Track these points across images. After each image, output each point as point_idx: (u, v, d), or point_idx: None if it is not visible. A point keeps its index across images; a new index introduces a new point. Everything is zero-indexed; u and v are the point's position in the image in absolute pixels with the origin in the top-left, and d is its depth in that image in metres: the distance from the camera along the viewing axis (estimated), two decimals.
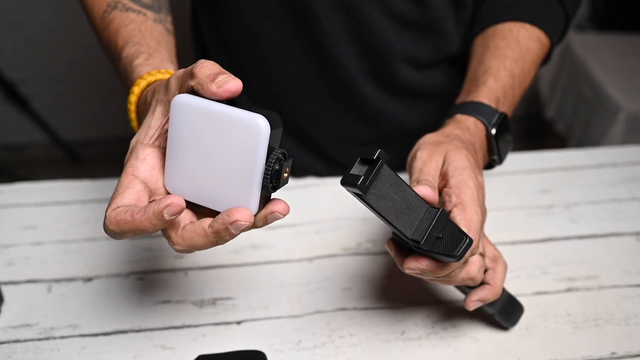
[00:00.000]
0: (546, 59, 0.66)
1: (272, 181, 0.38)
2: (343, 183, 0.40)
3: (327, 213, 0.70)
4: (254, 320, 0.56)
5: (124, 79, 0.51)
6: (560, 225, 0.68)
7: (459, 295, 0.58)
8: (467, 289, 0.51)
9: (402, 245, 0.47)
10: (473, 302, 0.49)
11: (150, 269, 0.62)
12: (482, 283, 0.50)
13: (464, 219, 0.45)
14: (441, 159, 0.49)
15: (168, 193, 0.41)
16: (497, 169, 0.77)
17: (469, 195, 0.46)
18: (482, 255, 0.47)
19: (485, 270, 0.50)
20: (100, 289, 0.59)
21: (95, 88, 2.12)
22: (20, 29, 1.96)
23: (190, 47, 0.82)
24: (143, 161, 0.40)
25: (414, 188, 0.43)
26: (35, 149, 2.23)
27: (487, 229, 0.67)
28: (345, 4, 0.63)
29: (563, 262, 0.63)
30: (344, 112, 0.73)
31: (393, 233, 0.46)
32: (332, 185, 0.74)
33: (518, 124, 2.25)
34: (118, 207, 0.38)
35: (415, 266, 0.44)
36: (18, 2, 1.91)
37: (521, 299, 0.57)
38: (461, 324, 0.56)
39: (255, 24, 0.67)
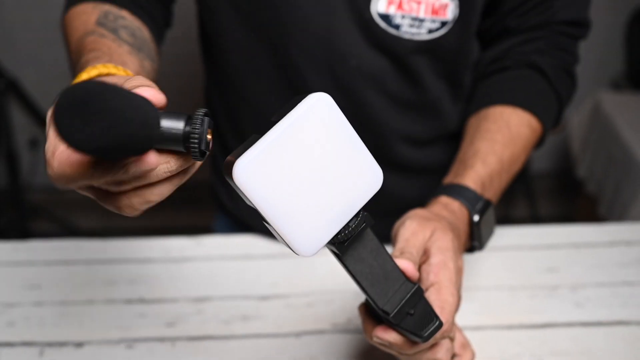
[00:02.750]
0: (540, 142, 0.66)
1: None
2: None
3: (320, 285, 0.69)
4: None
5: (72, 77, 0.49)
6: (563, 310, 0.65)
7: None
8: None
9: (373, 313, 0.46)
10: None
11: (140, 337, 0.63)
12: None
13: (438, 299, 0.44)
14: (428, 234, 0.48)
15: None
16: (501, 243, 0.76)
17: (447, 276, 0.46)
18: (452, 339, 0.46)
19: (453, 357, 0.49)
20: (90, 356, 0.60)
21: None
22: (67, 78, 2.08)
23: None
24: None
25: (395, 259, 0.43)
26: (73, 191, 2.33)
27: (486, 309, 0.65)
28: (343, 86, 0.65)
29: (563, 351, 0.60)
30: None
31: (366, 299, 0.46)
32: (329, 255, 0.74)
33: (549, 181, 2.20)
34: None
35: (382, 336, 0.43)
36: (63, 55, 2.04)
37: None
38: None
39: (257, 100, 0.70)
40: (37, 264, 0.75)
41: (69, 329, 0.64)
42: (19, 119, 2.14)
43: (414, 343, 0.43)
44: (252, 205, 0.34)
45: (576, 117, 1.80)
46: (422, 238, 0.48)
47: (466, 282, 0.69)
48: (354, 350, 0.61)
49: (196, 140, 0.32)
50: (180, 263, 0.74)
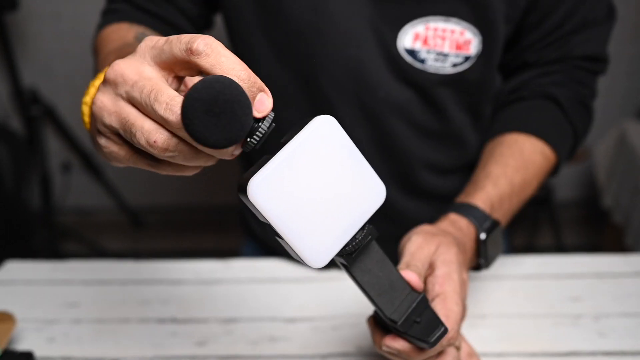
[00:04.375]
0: (554, 171, 0.67)
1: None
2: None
3: (346, 308, 0.71)
4: None
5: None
6: (586, 339, 0.66)
7: None
8: None
9: (382, 324, 0.48)
10: None
11: (172, 355, 0.65)
12: None
13: (444, 307, 0.46)
14: (433, 248, 0.50)
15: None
16: (524, 271, 0.77)
17: (451, 287, 0.48)
18: (458, 348, 0.47)
19: None
20: None
21: None
22: None
23: None
24: None
25: (401, 271, 0.45)
26: (103, 214, 2.40)
27: (509, 336, 0.66)
28: (371, 115, 0.68)
29: None
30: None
31: (374, 311, 0.47)
32: None
33: (574, 210, 2.18)
34: None
35: (391, 345, 0.45)
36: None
37: None
38: None
39: (286, 129, 0.73)
40: (75, 284, 0.78)
41: (105, 346, 0.67)
42: (53, 143, 2.23)
43: (421, 350, 0.45)
44: (265, 221, 0.37)
45: (601, 146, 1.80)
46: (427, 252, 0.50)
47: (489, 309, 0.70)
48: None
49: (257, 139, 0.35)
50: (210, 285, 0.77)
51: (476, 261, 0.58)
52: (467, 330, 0.67)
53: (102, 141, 0.37)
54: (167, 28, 0.69)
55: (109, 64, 0.42)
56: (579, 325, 0.68)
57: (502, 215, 0.60)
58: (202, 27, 0.75)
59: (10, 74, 2.04)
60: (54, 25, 2.08)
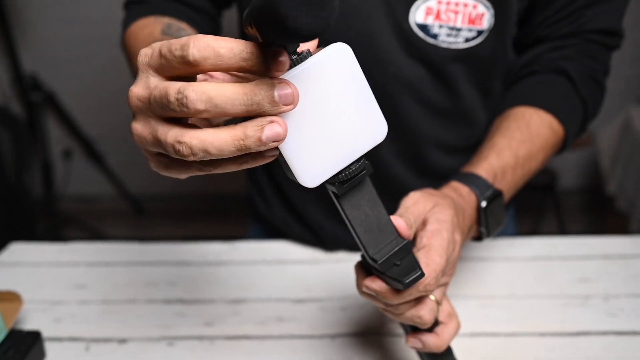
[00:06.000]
0: (563, 147, 0.67)
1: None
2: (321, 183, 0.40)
3: (354, 290, 0.71)
4: None
5: None
6: (596, 319, 0.66)
7: None
8: (410, 329, 0.51)
9: (366, 269, 0.49)
10: (414, 339, 0.49)
11: (180, 335, 0.65)
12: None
13: (426, 257, 0.46)
14: (429, 206, 0.50)
15: None
16: (532, 253, 0.76)
17: (438, 241, 0.47)
18: (438, 303, 0.48)
19: (438, 323, 0.50)
20: (133, 351, 0.63)
21: None
22: (102, 93, 2.16)
23: None
24: None
25: (391, 217, 0.45)
26: (105, 201, 2.40)
27: (518, 316, 0.66)
28: (379, 91, 0.66)
29: (598, 359, 0.60)
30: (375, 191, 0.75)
31: (361, 255, 0.48)
32: None
33: (578, 197, 2.17)
34: None
35: (369, 285, 0.46)
36: (101, 70, 2.12)
37: None
38: None
39: None
40: (81, 265, 0.78)
41: (113, 326, 0.67)
42: (54, 130, 2.22)
43: (397, 292, 0.45)
44: None
45: (606, 133, 1.79)
46: (422, 208, 0.50)
47: (498, 291, 0.70)
48: (389, 353, 0.62)
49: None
50: (216, 266, 0.77)
51: (477, 230, 0.58)
52: (477, 311, 0.67)
53: (153, 166, 0.37)
54: (189, 11, 0.69)
55: None
56: (589, 305, 0.68)
57: (506, 186, 0.59)
58: (222, 5, 0.75)
59: (10, 59, 2.03)
60: (54, 11, 2.07)
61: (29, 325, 0.67)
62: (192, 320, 0.67)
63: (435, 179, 0.74)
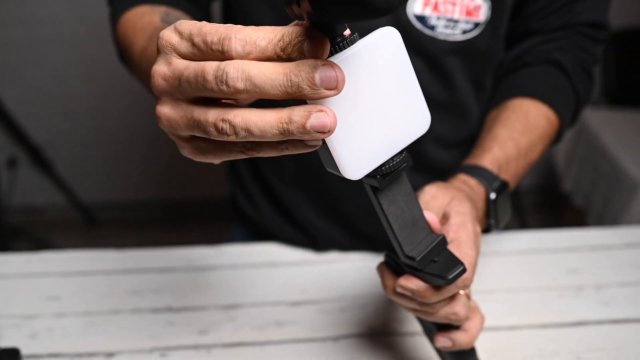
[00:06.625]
0: (557, 138, 0.68)
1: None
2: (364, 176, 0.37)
3: (351, 290, 0.69)
4: None
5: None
6: (591, 308, 0.67)
7: None
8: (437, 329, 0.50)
9: (393, 269, 0.47)
10: (443, 338, 0.48)
11: (172, 345, 0.61)
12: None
13: (458, 251, 0.45)
14: (448, 199, 0.49)
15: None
16: (521, 247, 0.77)
17: (465, 234, 0.47)
18: (469, 297, 0.47)
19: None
20: None
21: (116, 153, 2.17)
22: (50, 97, 2.05)
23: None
24: None
25: (424, 213, 0.44)
26: (54, 211, 2.26)
27: (517, 309, 0.66)
28: None
29: (598, 348, 0.61)
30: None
31: (386, 255, 0.46)
32: (357, 261, 0.74)
33: (533, 196, 2.25)
34: None
35: (406, 285, 0.43)
36: (49, 73, 2.01)
37: None
38: None
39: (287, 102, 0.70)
40: (53, 275, 0.72)
41: (97, 339, 0.61)
42: None
43: (437, 289, 0.43)
44: None
45: None
46: (441, 202, 0.49)
47: (493, 285, 0.70)
48: (396, 352, 0.60)
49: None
50: (203, 272, 0.73)
51: (486, 222, 0.57)
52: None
53: (186, 152, 0.34)
54: (183, 1, 0.65)
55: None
56: (582, 296, 0.69)
57: (510, 176, 0.60)
58: None
59: None
60: None
61: (2, 343, 0.60)
62: (184, 329, 0.63)
63: (431, 173, 0.73)
